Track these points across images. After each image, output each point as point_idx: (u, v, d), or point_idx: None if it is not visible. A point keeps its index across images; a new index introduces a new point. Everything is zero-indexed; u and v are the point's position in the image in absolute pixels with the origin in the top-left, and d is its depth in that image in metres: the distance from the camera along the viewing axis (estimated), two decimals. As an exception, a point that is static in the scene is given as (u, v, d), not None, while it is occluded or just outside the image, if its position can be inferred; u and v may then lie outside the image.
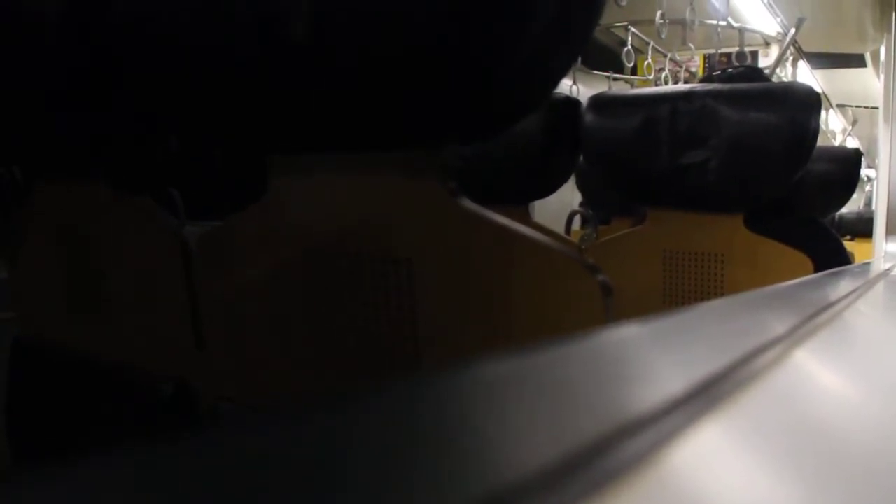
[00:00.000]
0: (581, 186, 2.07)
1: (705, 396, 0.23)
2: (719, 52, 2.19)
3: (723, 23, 2.16)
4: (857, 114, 4.79)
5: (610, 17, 2.54)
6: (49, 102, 0.57)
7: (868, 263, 1.53)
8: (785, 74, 3.11)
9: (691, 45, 2.07)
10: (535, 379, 0.22)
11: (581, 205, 2.24)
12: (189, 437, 0.15)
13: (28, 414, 0.72)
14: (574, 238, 2.06)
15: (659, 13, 2.03)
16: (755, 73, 1.38)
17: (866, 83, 4.07)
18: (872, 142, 4.68)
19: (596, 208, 2.04)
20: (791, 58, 3.13)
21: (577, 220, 2.25)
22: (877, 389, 0.32)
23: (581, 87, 1.92)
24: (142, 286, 0.64)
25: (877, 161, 2.46)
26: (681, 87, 1.29)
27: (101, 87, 0.55)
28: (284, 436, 0.16)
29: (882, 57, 2.47)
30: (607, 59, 2.64)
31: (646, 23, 2.24)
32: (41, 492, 0.12)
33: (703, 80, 1.45)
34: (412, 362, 0.51)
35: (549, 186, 1.45)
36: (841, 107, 4.77)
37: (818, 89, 1.26)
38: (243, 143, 0.60)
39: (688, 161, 1.15)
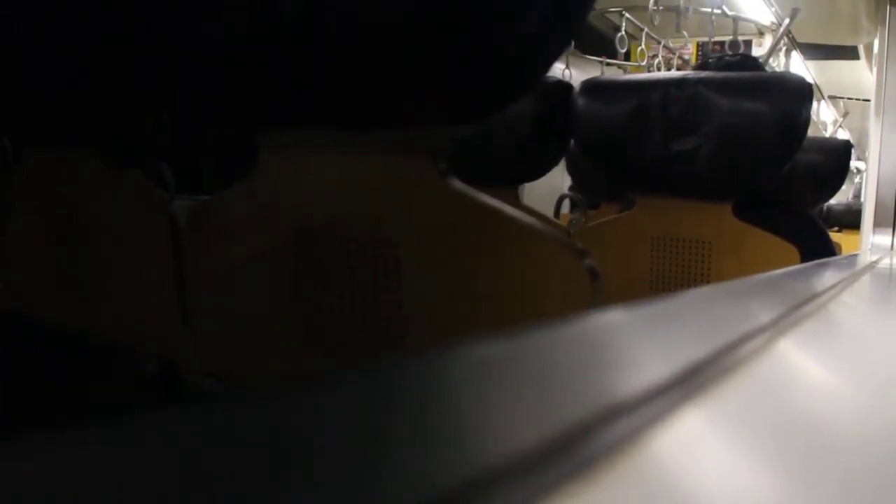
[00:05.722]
0: (571, 170, 2.08)
1: (689, 383, 0.23)
2: (713, 40, 2.19)
3: (717, 11, 2.15)
4: (848, 106, 4.80)
5: (604, 2, 2.54)
6: (40, 73, 0.57)
7: (855, 255, 1.53)
8: (778, 64, 3.11)
9: (685, 33, 2.06)
10: (519, 362, 0.23)
11: (571, 189, 2.24)
12: (167, 412, 0.15)
13: (8, 386, 0.71)
14: (563, 222, 2.06)
15: (653, 0, 2.03)
16: (751, 62, 1.38)
17: (859, 75, 4.08)
18: (863, 134, 4.70)
19: (585, 193, 2.04)
20: (784, 48, 3.13)
21: (566, 204, 2.25)
22: (859, 380, 0.33)
23: (573, 72, 1.91)
24: (129, 260, 0.64)
25: (867, 153, 2.47)
26: (673, 73, 1.29)
27: (93, 60, 0.55)
28: (264, 414, 0.16)
29: (875, 50, 2.47)
30: (600, 44, 2.63)
31: (640, 9, 2.24)
32: (19, 463, 0.12)
33: (698, 67, 1.44)
34: (397, 342, 0.51)
35: (539, 169, 1.45)
36: (833, 98, 4.78)
37: (810, 80, 1.26)
38: (234, 119, 0.60)
39: (678, 148, 1.15)
